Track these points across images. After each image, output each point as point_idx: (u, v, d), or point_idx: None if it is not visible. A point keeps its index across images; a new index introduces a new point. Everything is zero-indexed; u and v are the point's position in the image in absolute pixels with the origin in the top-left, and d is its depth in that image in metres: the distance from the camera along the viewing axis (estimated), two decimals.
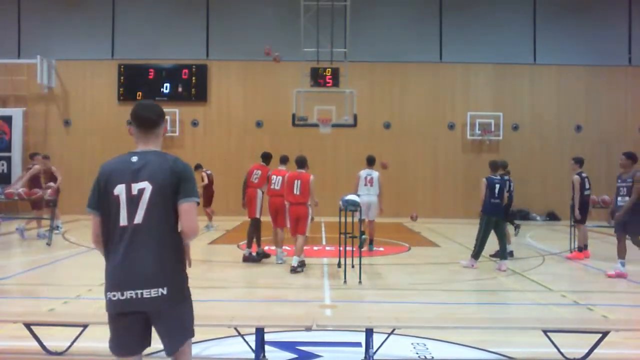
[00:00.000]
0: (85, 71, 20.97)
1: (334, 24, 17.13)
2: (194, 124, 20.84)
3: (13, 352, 5.19)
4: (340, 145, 20.34)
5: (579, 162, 11.27)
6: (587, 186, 11.12)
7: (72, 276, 9.21)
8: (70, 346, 4.98)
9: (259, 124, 20.68)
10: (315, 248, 12.44)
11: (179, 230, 3.12)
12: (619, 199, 9.17)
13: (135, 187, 3.06)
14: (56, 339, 5.09)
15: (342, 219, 8.74)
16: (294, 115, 16.97)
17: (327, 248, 12.41)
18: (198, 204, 3.15)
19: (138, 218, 3.04)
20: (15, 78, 20.61)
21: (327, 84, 17.62)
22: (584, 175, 11.12)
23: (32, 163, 13.90)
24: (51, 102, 20.98)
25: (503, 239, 10.09)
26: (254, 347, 4.89)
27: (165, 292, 3.03)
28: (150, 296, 3.01)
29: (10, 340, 5.41)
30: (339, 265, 9.51)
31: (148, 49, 20.67)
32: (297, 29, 17.47)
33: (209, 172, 15.75)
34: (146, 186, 3.06)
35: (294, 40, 17.99)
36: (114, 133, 20.87)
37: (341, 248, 9.05)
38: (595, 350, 4.97)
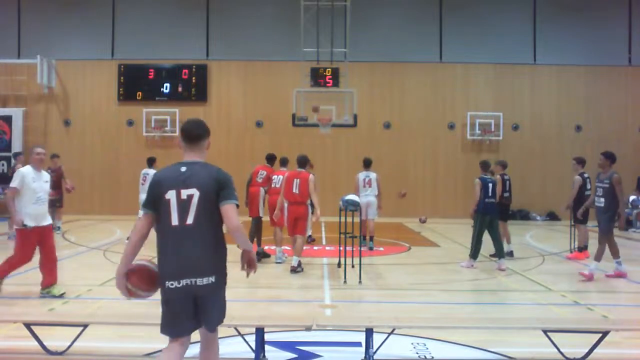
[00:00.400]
0: (85, 71, 20.97)
1: (334, 24, 17.13)
2: None
3: (13, 352, 5.19)
4: (340, 145, 20.34)
5: (581, 162, 11.28)
6: (588, 187, 11.12)
7: (72, 276, 9.20)
8: (70, 346, 4.98)
9: (259, 124, 20.68)
10: (315, 248, 12.44)
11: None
12: (596, 199, 9.19)
13: (185, 193, 3.62)
14: (56, 339, 5.09)
15: (342, 219, 8.74)
16: (294, 115, 16.97)
17: (327, 248, 12.40)
18: (238, 206, 3.72)
19: (189, 219, 3.60)
20: (15, 78, 20.60)
21: (327, 84, 17.62)
22: (585, 175, 11.14)
23: (56, 164, 14.22)
24: (51, 102, 20.97)
25: (497, 238, 10.05)
26: (254, 347, 4.89)
27: (213, 280, 3.62)
28: (202, 284, 3.59)
29: (10, 340, 5.41)
30: (339, 265, 9.52)
31: (148, 49, 20.66)
32: (297, 29, 17.47)
33: None
34: (194, 192, 3.62)
35: (294, 40, 17.98)
36: (114, 133, 20.89)
37: (341, 248, 9.06)
38: (595, 350, 4.97)
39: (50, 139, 20.73)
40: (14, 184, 7.27)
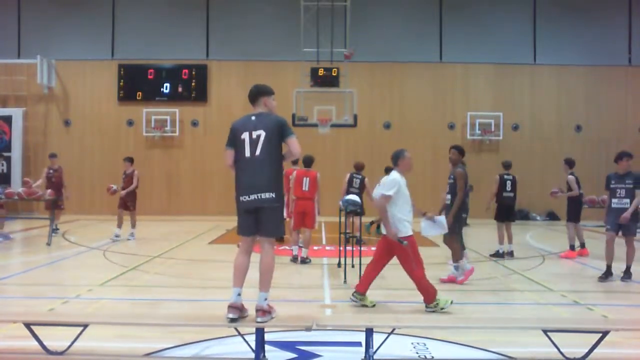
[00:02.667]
0: (85, 71, 20.97)
1: (334, 24, 17.13)
2: (194, 124, 20.83)
3: (13, 352, 5.18)
4: (340, 145, 20.34)
5: (570, 163, 11.47)
6: (580, 186, 11.35)
7: (72, 276, 9.21)
8: (70, 346, 4.97)
9: None
10: (315, 248, 12.43)
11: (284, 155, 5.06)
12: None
13: (255, 133, 4.96)
14: (56, 339, 5.09)
15: (342, 219, 8.74)
16: (294, 115, 16.97)
17: (327, 248, 12.40)
18: (296, 137, 5.03)
19: (258, 151, 4.93)
20: (15, 78, 20.62)
21: (327, 84, 17.61)
22: (575, 175, 11.41)
23: (54, 164, 14.15)
24: (51, 102, 20.98)
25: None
26: (254, 347, 4.89)
27: (273, 195, 4.92)
28: (265, 197, 4.89)
29: (10, 340, 5.41)
30: (339, 265, 9.52)
31: (148, 49, 20.67)
32: (297, 29, 17.47)
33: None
34: (261, 133, 4.95)
35: (294, 40, 17.99)
36: (114, 133, 20.89)
37: (341, 248, 9.06)
38: (595, 350, 4.96)
39: (50, 139, 20.75)
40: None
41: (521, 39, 20.96)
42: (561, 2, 20.91)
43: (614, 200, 8.83)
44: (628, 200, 8.68)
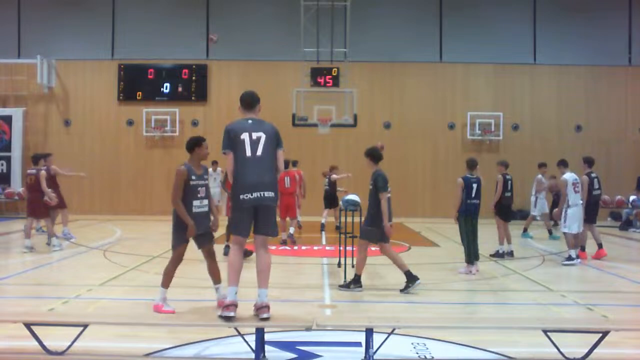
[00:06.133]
0: (85, 71, 20.97)
1: (334, 24, 17.13)
2: (194, 124, 20.83)
3: (13, 352, 5.18)
4: (340, 145, 20.33)
5: (589, 162, 11.21)
6: (596, 186, 11.08)
7: (72, 276, 9.21)
8: (70, 346, 4.98)
9: None
10: (315, 248, 12.44)
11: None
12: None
13: (255, 135, 5.13)
14: (56, 339, 5.09)
15: (342, 219, 8.74)
16: (294, 115, 16.96)
17: (327, 248, 12.40)
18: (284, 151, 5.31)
19: (259, 151, 5.09)
20: (15, 78, 20.61)
21: (327, 84, 17.62)
22: (593, 175, 11.08)
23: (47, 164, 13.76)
24: (51, 102, 20.97)
25: (474, 241, 9.50)
26: (254, 347, 4.89)
27: (273, 194, 5.11)
28: (268, 196, 5.06)
29: (10, 340, 5.41)
30: (339, 265, 9.52)
31: (148, 49, 20.65)
32: (297, 29, 17.47)
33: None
34: (262, 135, 5.15)
35: (294, 40, 17.99)
36: (113, 133, 20.88)
37: (341, 248, 9.06)
38: (595, 350, 4.97)
39: (50, 139, 20.74)
40: None
41: (521, 39, 20.95)
42: (561, 2, 20.90)
43: None
44: None
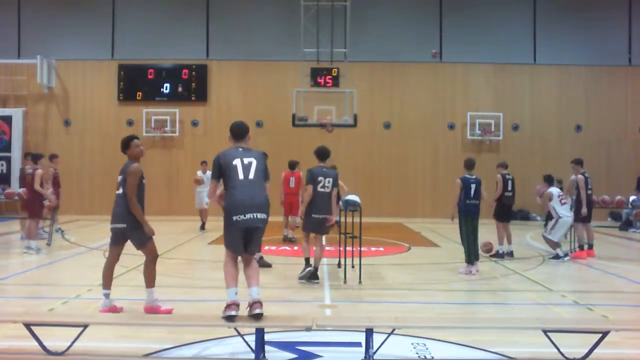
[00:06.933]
0: (85, 71, 20.97)
1: (334, 24, 17.12)
2: (194, 124, 20.83)
3: (13, 352, 5.18)
4: (340, 145, 20.32)
5: (580, 163, 11.40)
6: (589, 186, 11.24)
7: (72, 276, 9.21)
8: (70, 346, 4.97)
9: (259, 124, 20.65)
10: (315, 248, 12.41)
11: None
12: None
13: (246, 160, 5.29)
14: (56, 339, 5.09)
15: (342, 219, 8.74)
16: (294, 115, 16.96)
17: (327, 248, 12.36)
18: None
19: (251, 175, 5.24)
20: (15, 78, 20.61)
21: (327, 84, 17.61)
22: (586, 175, 11.32)
23: (45, 164, 13.79)
24: (51, 102, 20.97)
25: (474, 241, 9.49)
26: (254, 347, 4.89)
27: (265, 216, 5.24)
28: (260, 217, 5.19)
29: (10, 340, 5.41)
30: (339, 265, 9.53)
31: (148, 49, 20.65)
32: (297, 29, 17.46)
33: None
34: (253, 160, 5.31)
35: (294, 40, 17.98)
36: (113, 133, 20.84)
37: (341, 248, 9.06)
38: (595, 350, 4.97)
39: (50, 139, 20.74)
40: None
41: (521, 39, 20.95)
42: (561, 2, 20.90)
43: None
44: None
